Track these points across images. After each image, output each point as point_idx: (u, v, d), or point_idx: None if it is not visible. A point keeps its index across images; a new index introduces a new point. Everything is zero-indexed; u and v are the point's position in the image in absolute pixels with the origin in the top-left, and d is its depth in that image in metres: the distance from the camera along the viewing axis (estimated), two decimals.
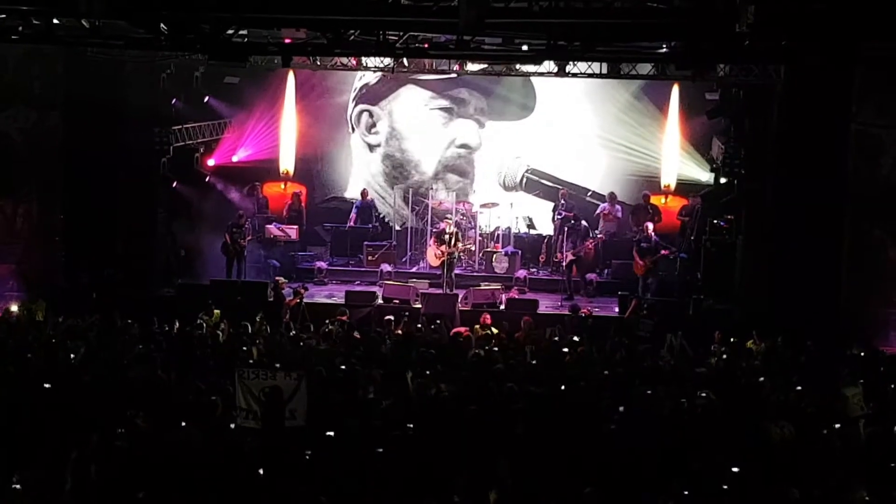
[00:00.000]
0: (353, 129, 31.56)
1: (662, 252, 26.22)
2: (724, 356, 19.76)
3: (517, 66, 25.95)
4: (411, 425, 13.44)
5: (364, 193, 30.61)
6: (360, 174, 31.80)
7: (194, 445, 12.21)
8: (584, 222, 28.05)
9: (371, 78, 30.52)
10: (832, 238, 23.97)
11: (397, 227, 30.27)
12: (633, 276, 26.83)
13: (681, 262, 26.93)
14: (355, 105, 31.43)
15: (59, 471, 10.48)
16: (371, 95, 31.25)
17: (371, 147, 31.63)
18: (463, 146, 31.10)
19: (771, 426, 13.23)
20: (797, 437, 13.14)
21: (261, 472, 11.63)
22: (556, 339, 20.66)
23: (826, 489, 11.36)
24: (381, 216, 30.94)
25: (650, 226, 26.81)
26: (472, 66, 26.60)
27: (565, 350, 19.59)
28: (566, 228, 27.67)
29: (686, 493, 10.98)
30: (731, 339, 20.79)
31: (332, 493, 10.78)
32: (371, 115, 31.43)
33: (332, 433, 12.83)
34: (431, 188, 30.60)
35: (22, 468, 10.65)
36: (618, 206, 29.04)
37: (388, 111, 31.38)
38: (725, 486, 11.45)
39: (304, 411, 13.52)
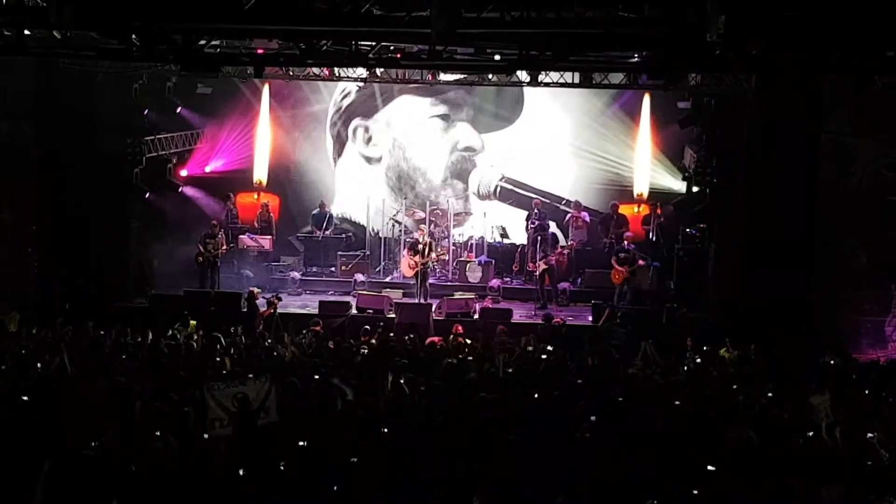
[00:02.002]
0: (339, 152, 31.55)
1: (640, 262, 26.36)
2: (697, 363, 19.84)
3: (490, 76, 26.03)
4: (386, 430, 13.44)
5: (322, 205, 30.57)
6: (354, 191, 31.74)
7: (168, 456, 12.18)
8: (552, 231, 28.14)
9: (354, 92, 30.48)
10: (804, 246, 24.08)
11: (371, 237, 30.23)
12: (605, 285, 26.94)
13: (654, 270, 27.01)
14: (345, 122, 31.41)
15: (31, 483, 10.44)
16: (364, 109, 31.25)
17: (370, 160, 31.59)
18: (467, 149, 31.15)
19: (734, 431, 13.25)
20: (768, 443, 13.16)
21: (240, 472, 11.62)
22: (530, 348, 20.68)
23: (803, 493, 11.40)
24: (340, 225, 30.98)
25: (630, 234, 27.01)
26: (445, 77, 26.63)
27: (541, 358, 19.64)
28: (538, 238, 27.77)
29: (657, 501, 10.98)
30: (704, 348, 20.87)
31: (307, 502, 10.77)
32: (367, 130, 31.39)
33: (304, 443, 12.80)
34: (439, 195, 30.77)
35: None
36: (584, 213, 29.12)
37: (385, 123, 31.36)
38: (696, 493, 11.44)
39: (276, 407, 13.55)
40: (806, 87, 23.39)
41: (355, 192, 31.64)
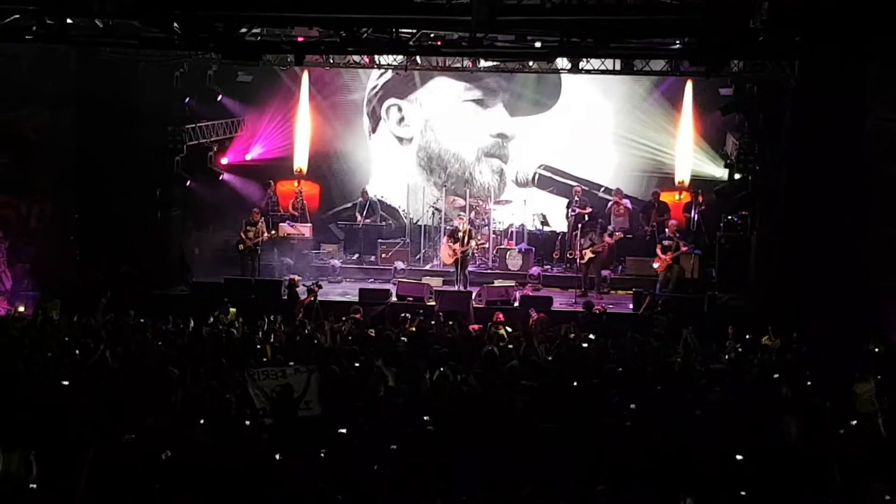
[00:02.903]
0: (373, 128, 31.50)
1: (683, 248, 26.24)
2: (739, 351, 19.77)
3: (530, 63, 25.96)
4: (427, 418, 13.45)
5: (364, 193, 30.59)
6: (387, 169, 31.71)
7: (210, 443, 12.23)
8: (601, 219, 28.02)
9: (390, 73, 30.45)
10: (847, 233, 23.87)
11: (411, 225, 30.21)
12: (646, 273, 26.85)
13: (696, 258, 26.89)
14: (380, 99, 31.33)
15: (75, 470, 10.50)
16: (398, 89, 31.14)
17: (402, 140, 31.53)
18: (499, 135, 30.97)
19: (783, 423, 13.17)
20: (812, 433, 13.08)
21: (277, 457, 11.65)
22: (571, 335, 20.64)
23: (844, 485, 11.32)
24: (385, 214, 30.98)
25: (674, 222, 26.88)
26: (485, 63, 26.57)
27: (582, 346, 19.62)
28: (580, 225, 27.68)
29: (700, 491, 10.93)
30: (746, 336, 20.76)
31: (347, 489, 10.77)
32: (400, 109, 31.35)
33: (344, 430, 12.81)
34: (472, 178, 30.70)
35: (37, 467, 10.67)
36: (625, 200, 28.99)
37: (418, 104, 31.26)
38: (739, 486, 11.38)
39: (317, 400, 13.57)
40: (849, 72, 23.15)
41: (389, 172, 31.62)
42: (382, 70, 29.94)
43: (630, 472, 11.24)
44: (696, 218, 28.10)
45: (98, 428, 12.38)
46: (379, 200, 30.77)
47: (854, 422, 13.93)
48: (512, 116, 30.80)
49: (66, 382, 14.84)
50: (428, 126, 31.25)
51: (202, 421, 13.08)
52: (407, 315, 22.66)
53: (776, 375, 17.21)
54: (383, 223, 30.35)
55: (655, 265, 26.56)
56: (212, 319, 21.30)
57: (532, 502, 10.21)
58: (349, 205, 31.05)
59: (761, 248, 25.40)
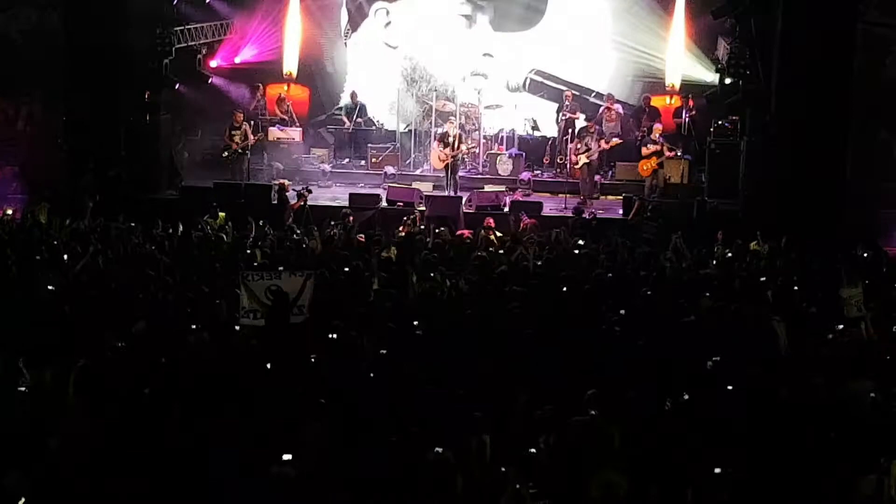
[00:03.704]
0: (353, 27, 31.17)
1: (668, 153, 26.21)
2: (728, 256, 19.83)
3: None
4: (416, 323, 13.49)
5: (353, 95, 30.42)
6: (369, 73, 31.48)
7: (200, 348, 12.26)
8: (598, 126, 27.80)
9: None
10: (837, 139, 23.88)
11: (401, 130, 30.14)
12: (636, 178, 26.89)
13: (686, 163, 26.87)
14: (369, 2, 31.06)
15: (64, 376, 10.53)
16: None
17: (388, 46, 31.29)
18: (486, 55, 30.70)
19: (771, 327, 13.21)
20: (796, 337, 13.14)
21: (267, 366, 11.70)
22: (561, 240, 20.69)
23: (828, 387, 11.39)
24: (373, 118, 30.86)
25: (659, 126, 26.78)
26: None
27: (572, 251, 19.66)
28: (570, 130, 27.63)
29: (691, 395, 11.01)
30: (738, 241, 20.80)
31: (334, 394, 10.83)
32: (388, 13, 31.06)
33: (334, 335, 12.85)
34: (451, 92, 30.41)
35: (28, 372, 10.70)
36: (617, 105, 28.86)
37: (406, 11, 30.97)
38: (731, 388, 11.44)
39: (309, 305, 13.59)
40: None
41: (370, 79, 31.36)
42: None
43: (620, 377, 11.29)
44: (686, 122, 28.05)
45: (87, 333, 12.40)
46: (363, 105, 30.52)
47: (840, 326, 14.00)
48: (504, 31, 30.48)
49: (51, 287, 14.80)
50: (415, 34, 30.91)
51: (193, 326, 13.11)
52: (406, 218, 22.83)
53: (762, 279, 17.32)
54: (372, 127, 30.24)
55: (641, 170, 26.56)
56: (201, 224, 21.29)
57: (528, 410, 10.26)
58: (338, 107, 30.85)
59: (751, 154, 25.36)
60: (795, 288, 16.59)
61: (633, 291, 15.96)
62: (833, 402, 10.94)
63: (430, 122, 29.31)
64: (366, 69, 31.43)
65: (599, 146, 26.83)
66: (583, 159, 26.59)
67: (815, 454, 9.67)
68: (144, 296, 14.64)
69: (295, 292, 13.63)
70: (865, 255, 20.25)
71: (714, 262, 19.43)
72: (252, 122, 27.93)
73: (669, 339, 13.03)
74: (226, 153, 26.96)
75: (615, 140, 27.35)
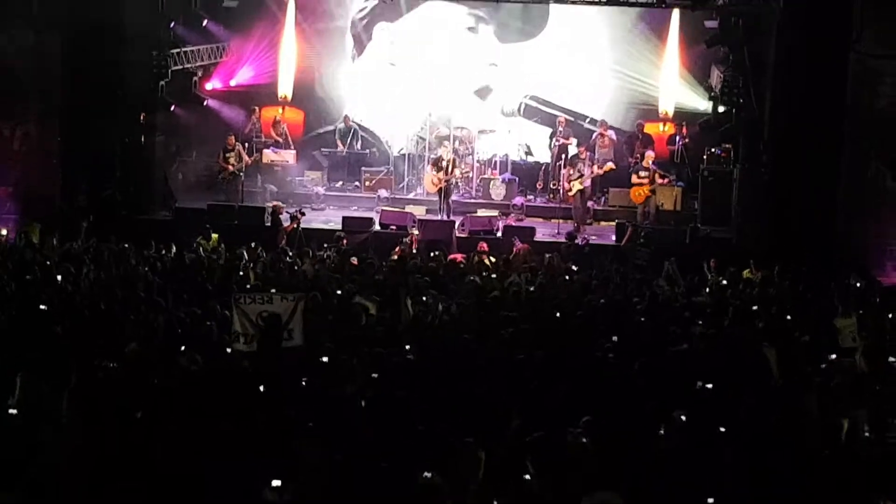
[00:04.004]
0: (359, 51, 31.35)
1: (659, 180, 26.29)
2: (721, 284, 19.85)
3: None
4: (408, 347, 13.50)
5: (346, 119, 30.52)
6: (372, 95, 31.57)
7: (192, 370, 12.26)
8: (590, 152, 27.84)
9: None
10: (830, 168, 23.94)
11: (395, 153, 30.22)
12: (629, 204, 26.95)
13: (679, 190, 26.94)
14: (368, 23, 31.15)
15: (57, 395, 10.53)
16: (387, 14, 30.93)
17: (391, 65, 31.36)
18: (492, 64, 30.93)
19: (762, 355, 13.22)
20: (788, 366, 13.16)
21: (260, 389, 11.68)
22: (553, 266, 20.72)
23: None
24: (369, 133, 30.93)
25: (651, 154, 26.84)
26: None
27: (565, 277, 19.69)
28: (563, 156, 27.71)
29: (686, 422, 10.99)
30: (731, 269, 20.82)
31: (325, 418, 10.82)
32: (391, 34, 31.20)
33: (326, 359, 12.85)
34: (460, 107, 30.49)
35: (19, 393, 10.69)
36: (610, 132, 28.92)
37: (409, 29, 31.13)
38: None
39: (301, 331, 13.58)
40: (834, 6, 23.15)
41: (374, 98, 31.49)
42: None
43: (613, 403, 11.29)
44: (680, 150, 28.13)
45: (79, 353, 12.39)
46: (360, 125, 30.66)
47: (833, 356, 14.01)
48: (501, 43, 30.66)
49: (44, 307, 14.80)
50: (418, 52, 31.02)
51: (183, 348, 13.10)
52: (406, 239, 22.89)
53: (755, 307, 17.35)
54: (366, 150, 30.32)
55: (633, 196, 26.63)
56: (194, 245, 21.31)
57: (520, 435, 10.25)
58: (330, 128, 30.91)
59: (744, 182, 25.44)
60: (788, 316, 16.61)
61: (627, 318, 15.98)
62: (827, 432, 10.94)
63: (425, 146, 29.34)
64: (370, 90, 31.51)
65: (592, 171, 26.85)
66: (576, 186, 26.63)
67: (810, 486, 9.66)
68: (136, 317, 14.63)
69: (286, 315, 13.63)
70: (858, 284, 20.29)
71: (707, 289, 19.45)
72: (247, 145, 27.99)
73: (662, 365, 13.04)
74: (221, 175, 27.01)
75: (609, 165, 27.36)
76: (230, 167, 27.01)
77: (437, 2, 30.20)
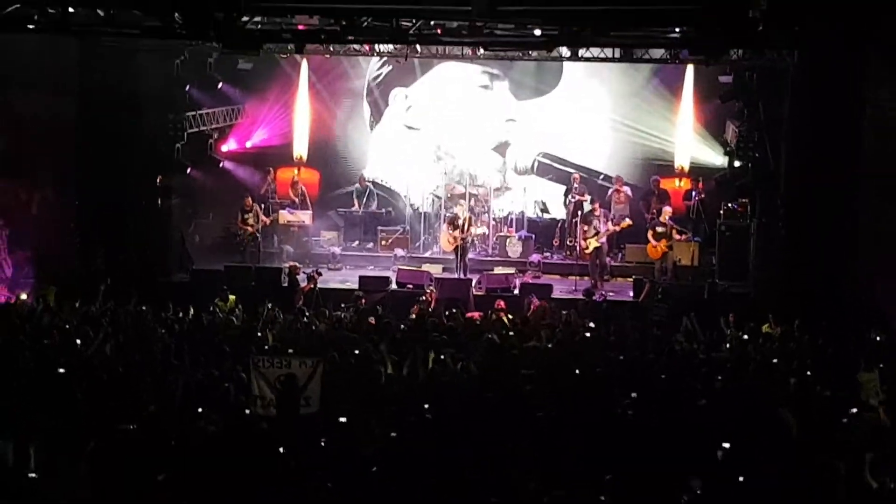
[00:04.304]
0: (376, 118, 31.57)
1: (676, 236, 26.27)
2: (743, 338, 19.75)
3: (530, 52, 25.98)
4: (427, 406, 13.47)
5: (361, 179, 30.67)
6: (391, 156, 31.75)
7: (212, 432, 12.24)
8: (604, 209, 27.79)
9: (391, 63, 30.49)
10: (848, 221, 23.87)
11: (411, 212, 30.29)
12: (646, 260, 26.91)
13: (696, 245, 26.89)
14: (384, 88, 31.40)
15: (75, 460, 10.52)
16: (401, 78, 31.18)
17: (409, 128, 31.56)
18: (510, 120, 31.10)
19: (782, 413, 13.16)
20: (809, 423, 13.09)
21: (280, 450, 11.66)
22: (571, 323, 20.67)
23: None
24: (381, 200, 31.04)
25: (668, 209, 26.81)
26: (484, 52, 26.59)
27: (583, 334, 19.63)
28: (579, 212, 27.70)
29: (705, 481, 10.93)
30: (751, 324, 20.72)
31: (345, 479, 10.79)
32: (407, 97, 31.41)
33: (344, 419, 12.83)
34: (478, 166, 30.63)
35: (37, 457, 10.69)
36: (626, 188, 28.96)
37: (425, 91, 31.35)
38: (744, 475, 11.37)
39: (318, 397, 13.57)
40: (849, 61, 23.14)
41: (393, 160, 31.67)
42: (382, 59, 30.02)
43: (634, 461, 11.23)
44: (696, 205, 28.10)
45: (98, 416, 12.39)
46: (376, 183, 30.86)
47: (854, 410, 13.92)
48: (516, 100, 30.85)
49: (62, 371, 14.82)
50: (435, 113, 31.22)
51: (201, 410, 13.09)
52: (423, 298, 22.87)
53: (775, 360, 17.27)
54: (382, 210, 30.41)
55: (650, 252, 26.61)
56: (211, 307, 21.34)
57: (538, 496, 10.20)
58: (345, 190, 31.02)
59: (761, 236, 25.42)
60: (809, 372, 16.52)
61: (645, 374, 15.92)
62: (852, 488, 10.85)
63: (441, 205, 29.41)
64: (386, 151, 31.72)
65: (608, 228, 26.81)
66: (593, 243, 26.55)
67: None
68: (154, 379, 14.63)
69: (304, 379, 13.63)
70: (879, 338, 20.17)
71: (727, 344, 19.37)
72: (263, 206, 28.10)
73: (682, 422, 12.98)
74: (239, 236, 27.12)
75: (626, 221, 27.24)
76: (248, 228, 27.13)
77: (450, 62, 30.31)
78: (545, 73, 30.47)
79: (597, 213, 27.00)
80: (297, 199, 29.62)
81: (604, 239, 26.67)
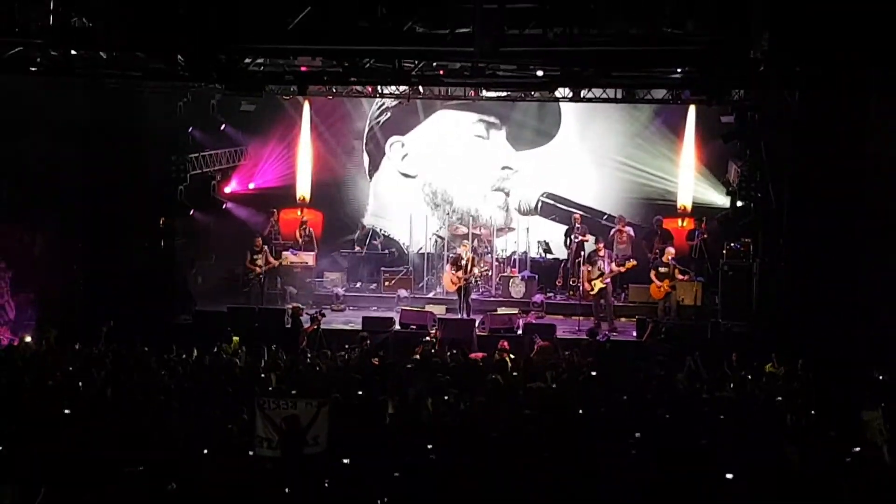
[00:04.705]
0: (375, 166, 31.73)
1: (679, 276, 26.28)
2: (744, 379, 19.73)
3: (532, 92, 26.07)
4: (430, 446, 13.46)
5: (361, 227, 30.86)
6: (390, 204, 31.91)
7: (215, 474, 12.24)
8: (607, 249, 27.79)
9: (391, 108, 30.60)
10: (850, 261, 23.87)
11: (413, 253, 30.32)
12: (649, 300, 26.89)
13: (699, 285, 26.89)
14: (382, 137, 31.58)
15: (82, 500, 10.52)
16: (400, 125, 31.39)
17: (406, 176, 31.69)
18: (505, 167, 31.18)
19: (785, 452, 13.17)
20: (813, 461, 13.08)
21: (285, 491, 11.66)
22: (574, 363, 20.65)
23: None
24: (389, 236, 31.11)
25: (671, 250, 26.82)
26: (487, 93, 26.69)
27: (593, 374, 19.61)
28: (582, 253, 27.72)
29: None
30: (754, 363, 20.71)
31: None
32: (403, 146, 31.53)
33: (347, 460, 12.82)
34: (478, 210, 30.82)
35: (44, 499, 10.68)
36: (628, 228, 28.98)
37: (422, 139, 31.51)
38: None
39: (326, 437, 13.56)
40: (850, 99, 23.19)
41: (393, 207, 31.76)
42: (383, 105, 30.21)
43: (638, 500, 11.23)
44: (699, 245, 28.11)
45: (101, 458, 12.39)
46: (375, 231, 30.99)
47: (857, 448, 13.91)
48: (516, 150, 31.04)
49: (67, 411, 14.82)
50: (433, 160, 31.34)
51: (206, 451, 13.09)
52: (427, 338, 22.86)
53: (779, 398, 17.26)
54: (385, 251, 30.48)
55: (653, 292, 26.61)
56: (215, 349, 21.33)
57: None
58: (348, 238, 31.08)
59: (764, 276, 25.41)
60: (812, 411, 16.50)
61: (649, 414, 15.90)
62: None
63: (444, 245, 29.46)
64: (387, 196, 31.80)
65: (612, 269, 26.79)
66: (598, 284, 26.54)
67: None
68: (158, 421, 14.62)
69: (308, 420, 13.63)
70: (881, 377, 20.15)
71: (731, 384, 19.34)
72: (266, 247, 28.14)
73: (685, 462, 12.97)
74: (247, 276, 27.16)
75: (631, 262, 27.20)
76: (257, 269, 27.15)
77: (446, 111, 30.60)
78: (548, 115, 30.58)
79: (601, 253, 26.96)
80: (302, 241, 29.61)
81: (608, 280, 26.64)
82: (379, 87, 26.93)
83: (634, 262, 27.29)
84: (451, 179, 31.27)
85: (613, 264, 26.90)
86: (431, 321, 25.39)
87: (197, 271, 29.01)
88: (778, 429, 15.03)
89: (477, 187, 31.10)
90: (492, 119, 30.91)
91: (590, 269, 26.79)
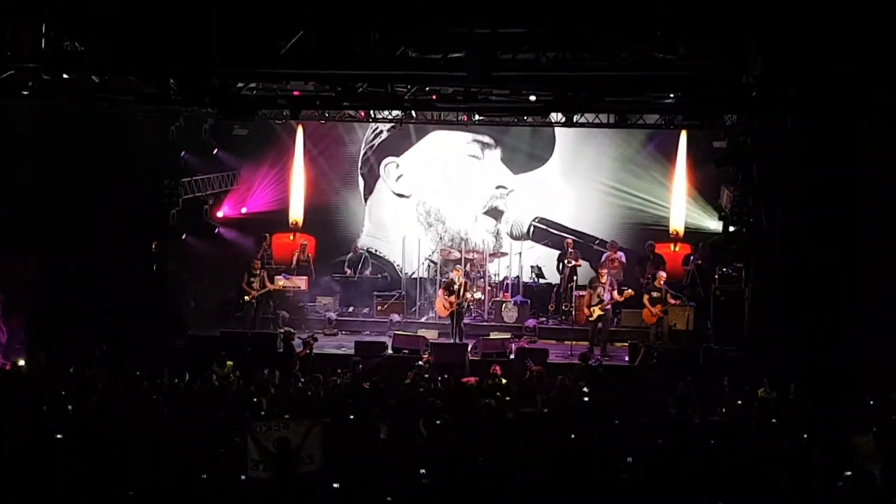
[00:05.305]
0: (370, 188, 31.73)
1: (671, 301, 26.30)
2: (735, 403, 19.74)
3: (525, 117, 26.12)
4: (423, 471, 13.44)
5: (354, 249, 30.80)
6: (384, 225, 31.93)
7: (208, 497, 12.22)
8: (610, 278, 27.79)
9: (386, 130, 30.63)
10: (842, 286, 23.90)
11: (406, 277, 30.32)
12: (642, 325, 26.89)
13: (691, 310, 26.90)
14: (376, 159, 31.59)
15: None
16: (394, 147, 31.41)
17: (400, 196, 31.73)
18: (500, 187, 31.23)
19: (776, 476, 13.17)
20: (805, 486, 13.08)
21: None
22: (566, 388, 20.64)
23: None
24: (375, 266, 31.07)
25: (663, 274, 26.84)
26: (480, 117, 26.73)
27: (585, 399, 19.61)
28: (574, 277, 27.74)
29: None
30: (746, 388, 20.72)
31: None
32: (398, 167, 31.57)
33: (338, 485, 12.80)
34: (471, 232, 30.94)
35: None
36: (620, 253, 29.00)
37: (416, 160, 31.54)
38: None
39: (320, 455, 13.56)
40: (842, 124, 23.23)
41: (388, 228, 31.81)
42: (376, 130, 30.33)
43: None
44: (691, 270, 28.12)
45: (95, 483, 12.36)
46: (371, 253, 30.95)
47: (849, 472, 13.91)
48: (511, 174, 31.03)
49: (60, 436, 14.78)
50: (427, 181, 31.37)
51: (198, 476, 13.06)
52: (421, 363, 22.83)
53: (772, 421, 17.27)
54: (378, 275, 30.47)
55: (645, 317, 26.62)
56: (207, 373, 21.29)
57: None
58: (340, 259, 31.04)
59: (756, 300, 25.42)
60: (805, 435, 16.51)
61: (641, 438, 15.89)
62: None
63: (436, 270, 29.47)
64: (380, 219, 31.83)
65: (612, 298, 26.75)
66: (597, 312, 26.53)
67: None
68: (150, 445, 14.59)
69: (299, 440, 13.61)
70: (872, 402, 20.16)
71: (724, 409, 19.35)
72: (263, 271, 28.10)
73: (677, 485, 12.97)
74: (243, 299, 27.17)
75: (628, 292, 27.05)
76: (254, 292, 27.14)
77: (441, 131, 30.59)
78: (541, 140, 30.62)
79: (603, 280, 26.91)
80: (296, 265, 29.59)
81: (608, 307, 26.62)
82: (372, 112, 26.96)
83: (632, 292, 27.19)
84: (446, 197, 31.32)
85: (615, 292, 26.84)
86: (424, 346, 25.36)
87: (189, 295, 28.96)
88: (770, 453, 15.01)
89: (470, 207, 31.15)
90: (486, 139, 30.93)
91: (591, 293, 26.77)
